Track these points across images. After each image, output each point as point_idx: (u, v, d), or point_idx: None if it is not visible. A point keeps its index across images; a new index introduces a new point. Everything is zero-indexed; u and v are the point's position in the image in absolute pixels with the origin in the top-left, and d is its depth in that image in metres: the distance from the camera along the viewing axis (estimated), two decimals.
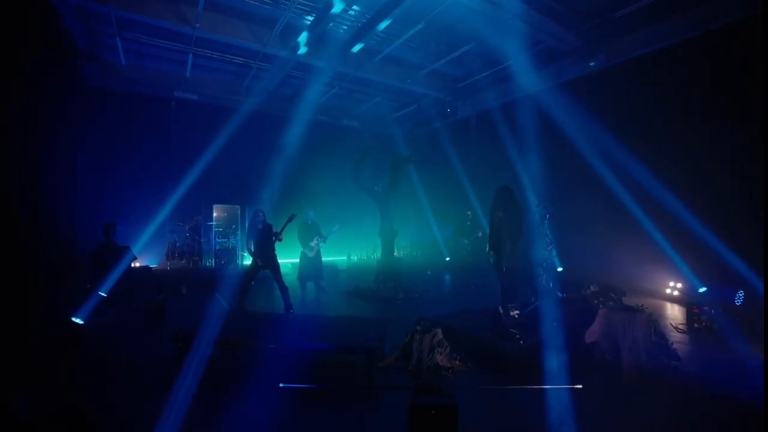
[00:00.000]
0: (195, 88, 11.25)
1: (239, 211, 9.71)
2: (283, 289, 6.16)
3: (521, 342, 3.55)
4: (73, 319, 4.68)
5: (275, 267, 6.13)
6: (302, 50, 9.29)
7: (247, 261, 11.46)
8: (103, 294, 5.94)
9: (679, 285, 6.70)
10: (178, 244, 8.89)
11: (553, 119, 10.17)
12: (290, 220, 6.14)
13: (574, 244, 9.08)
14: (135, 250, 7.55)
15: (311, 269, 7.58)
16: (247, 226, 6.23)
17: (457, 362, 3.59)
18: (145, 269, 7.42)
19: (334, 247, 12.91)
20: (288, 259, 11.72)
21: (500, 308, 3.76)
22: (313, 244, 7.40)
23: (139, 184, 10.11)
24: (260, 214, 6.05)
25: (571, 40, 9.07)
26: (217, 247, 8.98)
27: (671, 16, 7.77)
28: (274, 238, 6.13)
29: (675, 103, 7.66)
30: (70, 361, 4.05)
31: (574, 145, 9.65)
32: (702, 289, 6.20)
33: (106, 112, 10.00)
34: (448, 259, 12.23)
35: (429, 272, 10.58)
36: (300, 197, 12.03)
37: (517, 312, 3.78)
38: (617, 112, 8.70)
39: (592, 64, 9.54)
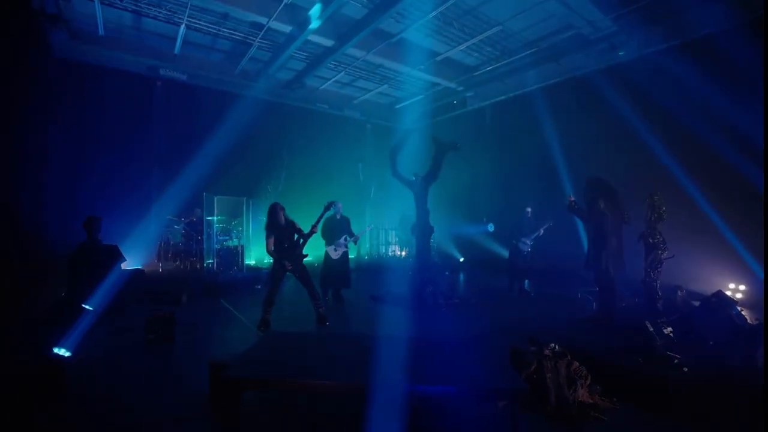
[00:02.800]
0: (184, 68, 9.94)
1: (244, 205, 8.50)
2: (315, 296, 5.17)
3: (685, 369, 2.80)
4: (55, 350, 3.44)
5: (303, 270, 5.13)
6: (314, 24, 8.26)
7: (249, 261, 10.39)
8: (88, 308, 4.74)
9: (742, 287, 6.21)
10: (172, 243, 7.60)
11: (574, 111, 9.67)
12: (327, 209, 5.16)
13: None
14: None
15: (337, 273, 6.51)
16: (266, 222, 5.12)
17: (599, 397, 2.80)
18: (136, 274, 6.20)
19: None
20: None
21: (648, 324, 3.01)
22: (341, 242, 6.33)
23: (120, 174, 8.75)
24: (280, 208, 5.04)
25: (605, 26, 8.50)
26: (217, 246, 7.76)
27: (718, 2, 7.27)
28: (297, 235, 5.13)
29: (710, 95, 7.15)
30: (48, 422, 2.81)
31: (599, 135, 9.17)
32: None
33: (78, 90, 8.57)
34: (462, 259, 11.53)
35: (447, 273, 9.82)
36: (301, 189, 10.98)
37: (671, 329, 3.04)
38: (646, 104, 8.16)
39: (621, 53, 9.03)
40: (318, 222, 5.14)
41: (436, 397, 2.33)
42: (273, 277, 5.03)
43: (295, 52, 10.00)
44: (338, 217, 6.36)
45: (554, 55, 9.77)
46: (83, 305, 4.67)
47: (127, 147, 9.02)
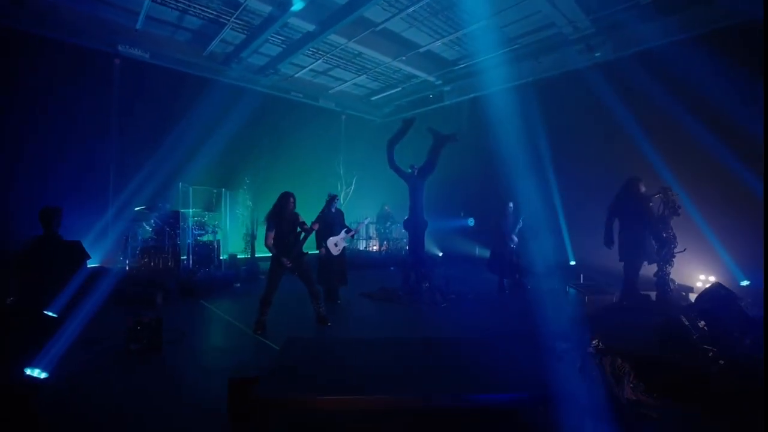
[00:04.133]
0: (146, 46, 9.00)
1: (223, 197, 7.77)
2: (316, 295, 4.82)
3: (721, 362, 2.84)
4: (28, 371, 2.80)
5: (306, 268, 4.75)
6: (297, 6, 7.77)
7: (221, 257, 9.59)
8: (52, 315, 4.07)
9: (712, 278, 6.62)
10: (140, 238, 6.78)
11: (551, 109, 9.93)
12: (330, 203, 4.80)
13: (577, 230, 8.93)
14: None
15: (337, 271, 6.02)
16: (268, 212, 4.64)
17: (642, 394, 2.76)
18: (102, 273, 5.42)
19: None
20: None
21: (683, 318, 3.03)
22: (342, 237, 5.91)
23: (75, 160, 7.75)
24: (291, 198, 4.59)
25: (585, 26, 8.72)
26: (189, 241, 6.99)
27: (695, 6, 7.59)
28: (300, 229, 4.74)
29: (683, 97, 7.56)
30: None
31: (578, 131, 9.50)
32: (744, 282, 6.13)
33: (23, 63, 7.48)
34: (440, 254, 11.53)
35: None
36: (276, 180, 10.38)
37: (703, 322, 3.08)
38: (622, 102, 8.48)
39: (597, 54, 9.34)
40: (320, 218, 4.80)
41: (504, 405, 2.15)
42: (271, 275, 4.60)
43: (271, 36, 9.41)
44: (333, 210, 5.95)
45: (534, 53, 9.94)
46: (46, 312, 4.00)
47: (82, 130, 8.02)
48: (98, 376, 3.36)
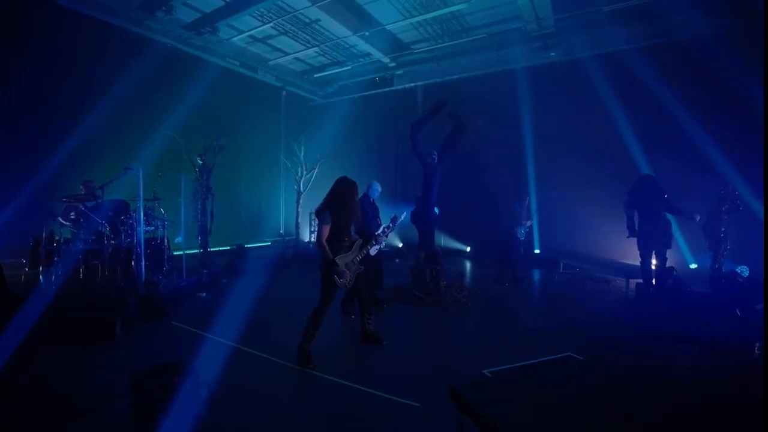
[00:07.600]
0: None
1: (181, 183, 5.76)
2: (367, 308, 3.89)
3: None
4: None
5: (361, 276, 3.76)
6: None
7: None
8: None
9: (654, 261, 7.51)
10: (59, 239, 4.48)
11: (507, 102, 10.25)
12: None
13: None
14: None
15: (374, 274, 5.09)
16: (325, 200, 3.52)
17: None
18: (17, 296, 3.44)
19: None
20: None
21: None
22: (381, 233, 4.89)
23: None
24: (356, 190, 3.57)
25: (548, 25, 9.07)
26: (140, 240, 4.94)
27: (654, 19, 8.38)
28: (385, 231, 3.89)
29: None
30: None
31: (527, 130, 10.08)
32: (693, 266, 7.07)
33: None
34: (400, 245, 11.13)
35: (397, 260, 9.32)
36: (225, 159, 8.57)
37: None
38: (571, 102, 9.18)
39: (552, 54, 9.86)
40: (394, 226, 3.99)
41: None
42: (328, 287, 3.45)
43: None
44: (372, 201, 4.98)
45: (494, 45, 10.03)
46: None
47: None
48: None
